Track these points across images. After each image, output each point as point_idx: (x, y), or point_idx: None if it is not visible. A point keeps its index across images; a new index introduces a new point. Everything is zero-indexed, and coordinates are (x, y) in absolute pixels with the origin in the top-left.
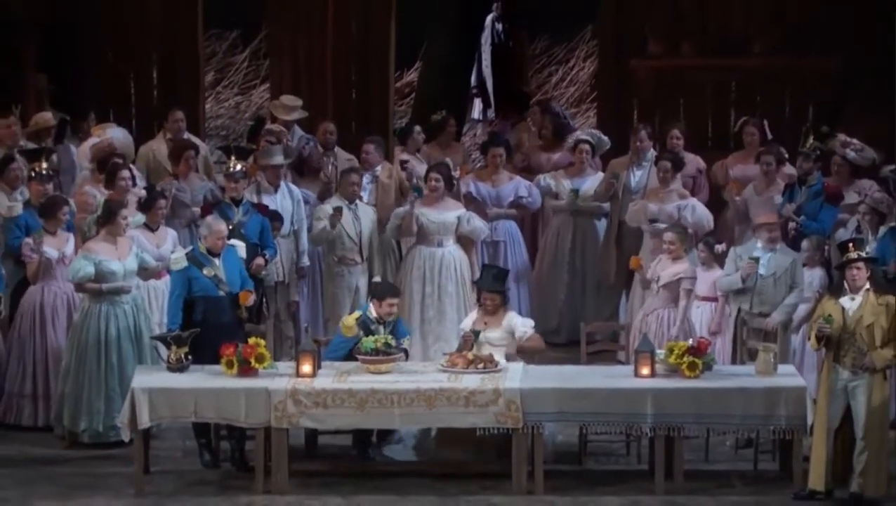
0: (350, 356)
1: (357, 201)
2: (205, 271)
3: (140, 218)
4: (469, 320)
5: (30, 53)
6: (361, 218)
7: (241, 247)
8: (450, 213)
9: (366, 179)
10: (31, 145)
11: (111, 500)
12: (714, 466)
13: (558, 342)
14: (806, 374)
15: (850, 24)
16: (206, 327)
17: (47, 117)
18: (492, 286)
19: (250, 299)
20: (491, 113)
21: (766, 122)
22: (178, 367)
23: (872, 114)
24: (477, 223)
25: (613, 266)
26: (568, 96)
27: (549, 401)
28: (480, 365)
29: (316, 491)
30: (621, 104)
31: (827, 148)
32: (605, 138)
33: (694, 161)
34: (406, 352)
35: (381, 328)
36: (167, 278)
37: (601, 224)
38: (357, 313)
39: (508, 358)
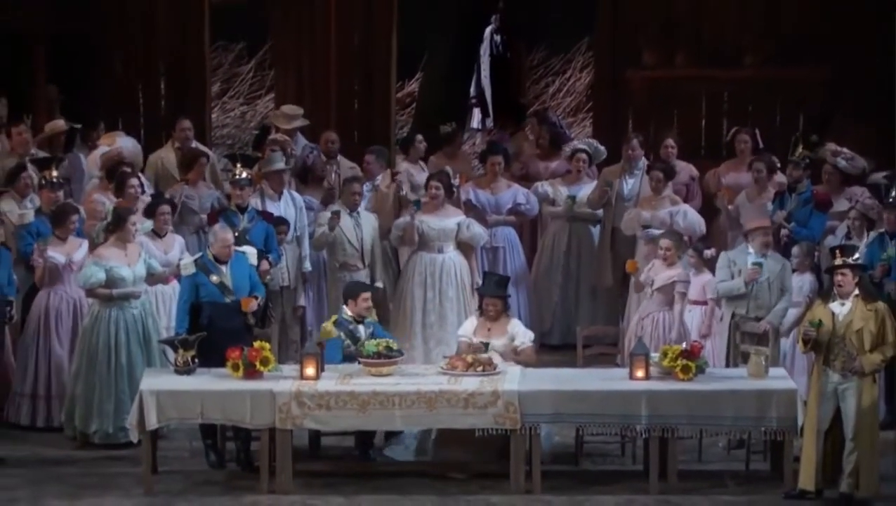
0: (346, 358)
1: (359, 209)
2: (211, 278)
3: (148, 225)
4: (469, 326)
5: (41, 65)
6: (363, 225)
7: (251, 254)
8: (450, 219)
9: (365, 187)
10: (42, 154)
11: (120, 499)
12: (707, 466)
13: (551, 344)
14: (796, 376)
15: (839, 36)
16: (212, 332)
17: (60, 124)
18: (494, 292)
19: (251, 305)
20: (490, 122)
21: (757, 132)
22: (185, 370)
23: (861, 123)
24: (476, 230)
25: (609, 271)
26: (565, 106)
27: (547, 403)
28: (479, 368)
29: (319, 491)
30: (616, 114)
31: (816, 156)
32: (602, 148)
33: (687, 169)
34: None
35: (360, 328)
36: (174, 283)
37: (596, 230)
38: (334, 317)
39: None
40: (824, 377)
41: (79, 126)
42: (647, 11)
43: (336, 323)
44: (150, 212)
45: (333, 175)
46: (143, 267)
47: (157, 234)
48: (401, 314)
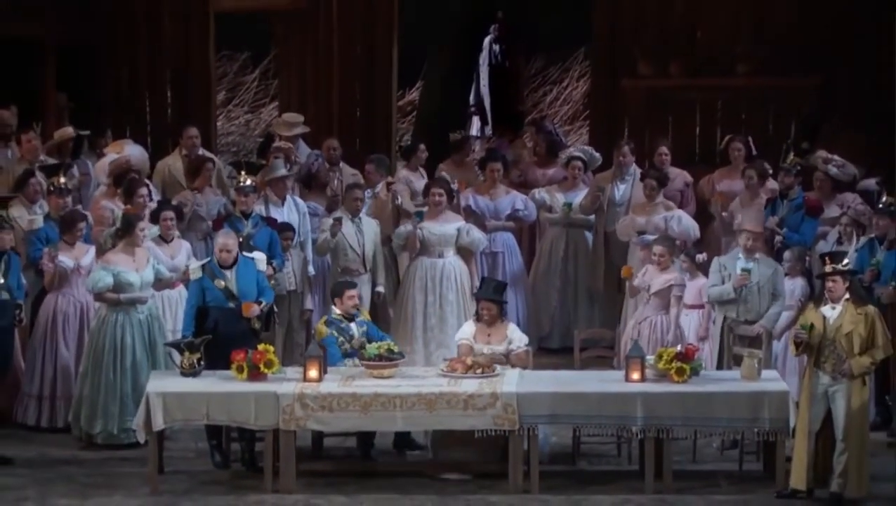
0: (344, 355)
1: (361, 215)
2: (215, 283)
3: (155, 230)
4: (468, 329)
5: (50, 73)
6: (365, 231)
7: (260, 260)
8: (450, 225)
9: (367, 194)
10: (51, 160)
11: (127, 498)
12: (701, 466)
13: (551, 347)
14: (787, 378)
15: (830, 45)
16: (218, 336)
17: (68, 131)
18: (491, 296)
19: (252, 310)
20: (488, 130)
21: (750, 139)
22: (190, 372)
23: (852, 130)
24: (476, 235)
25: (601, 275)
26: (562, 114)
27: (544, 404)
28: (479, 370)
29: (322, 490)
30: (613, 122)
31: (807, 163)
32: (597, 154)
33: (681, 176)
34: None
35: (352, 326)
36: (180, 288)
37: (592, 236)
38: (324, 318)
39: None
40: (815, 379)
41: (87, 133)
42: (642, 22)
43: (327, 323)
44: (155, 218)
45: (336, 181)
46: (151, 273)
47: (163, 239)
48: (402, 318)
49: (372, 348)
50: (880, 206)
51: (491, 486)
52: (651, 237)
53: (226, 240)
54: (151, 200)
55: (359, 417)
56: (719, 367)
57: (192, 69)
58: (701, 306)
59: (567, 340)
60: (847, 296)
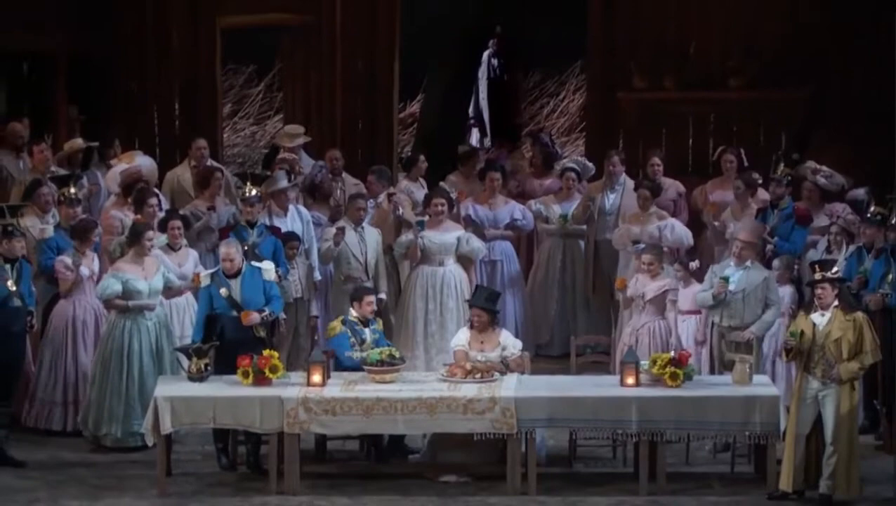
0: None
1: (363, 224)
2: (221, 292)
3: (163, 239)
4: (462, 336)
5: (61, 86)
6: (367, 240)
7: (267, 269)
8: (450, 234)
9: (369, 204)
10: (62, 171)
11: (135, 500)
12: (694, 468)
13: (551, 354)
14: (776, 383)
15: (818, 59)
16: (225, 342)
17: (78, 142)
18: (482, 304)
19: (251, 319)
20: (487, 142)
21: (741, 151)
22: (198, 377)
23: (840, 142)
24: (476, 244)
25: (591, 281)
26: (559, 126)
27: (542, 408)
28: (478, 375)
29: (325, 492)
30: (608, 134)
31: (797, 174)
32: (590, 165)
33: (674, 186)
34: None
35: (367, 331)
36: (188, 295)
37: (584, 244)
38: (341, 317)
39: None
40: (805, 384)
41: (96, 144)
42: (637, 37)
43: (343, 321)
44: (163, 226)
45: (339, 191)
46: (159, 281)
47: (171, 248)
48: (403, 324)
49: (374, 354)
50: (868, 215)
51: (490, 488)
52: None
53: (227, 249)
54: (161, 209)
55: (361, 420)
56: (712, 371)
57: (200, 82)
58: (697, 312)
59: (567, 347)
60: (836, 303)
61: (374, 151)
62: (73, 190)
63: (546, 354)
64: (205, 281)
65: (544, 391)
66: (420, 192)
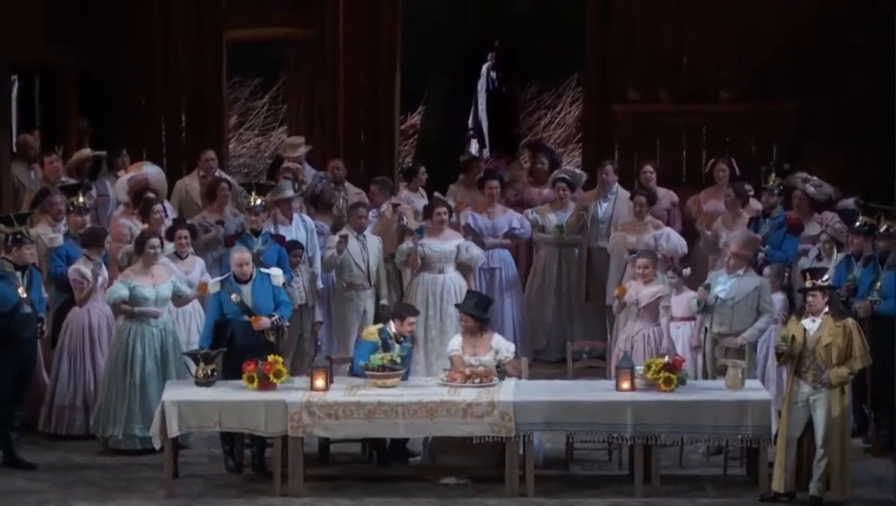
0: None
1: (365, 232)
2: (232, 297)
3: (171, 248)
4: (455, 342)
5: (71, 100)
6: (369, 248)
7: (276, 275)
8: (450, 242)
9: (372, 213)
10: (71, 181)
11: (144, 501)
12: (688, 471)
13: (548, 360)
14: (767, 387)
15: (808, 72)
16: (235, 348)
17: (86, 152)
18: (471, 310)
19: (261, 323)
20: (486, 152)
21: (733, 161)
22: (205, 382)
23: (830, 153)
24: (475, 252)
25: (584, 288)
26: (556, 137)
27: (539, 412)
28: (477, 380)
29: (328, 494)
30: (604, 145)
31: (788, 183)
32: (579, 173)
33: (668, 195)
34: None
35: (396, 347)
36: (194, 301)
37: (577, 251)
38: (381, 325)
39: None
40: (797, 388)
41: (103, 154)
42: (631, 51)
43: (380, 331)
44: (171, 235)
45: (341, 200)
46: (167, 289)
47: (178, 256)
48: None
49: (375, 360)
50: (856, 225)
51: (488, 490)
52: None
53: (242, 255)
54: (167, 215)
55: (363, 424)
56: (706, 376)
57: (206, 95)
58: (692, 319)
59: (563, 352)
60: (826, 310)
61: (375, 162)
62: (81, 199)
63: (543, 360)
64: (214, 288)
65: (542, 396)
66: (420, 201)
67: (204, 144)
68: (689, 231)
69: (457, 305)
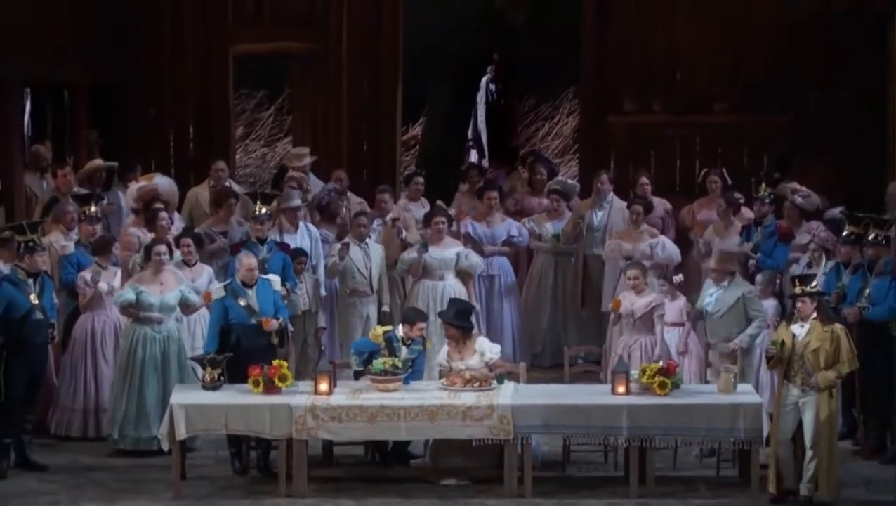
0: (368, 360)
1: (367, 240)
2: (239, 302)
3: (178, 256)
4: (443, 353)
5: (82, 111)
6: (371, 256)
7: (275, 281)
8: (450, 250)
9: (376, 222)
10: (83, 191)
11: (152, 503)
12: (681, 472)
13: (543, 365)
14: (762, 391)
15: (798, 86)
16: (240, 352)
17: (98, 162)
18: (451, 320)
19: (272, 325)
20: (485, 162)
21: (725, 172)
22: (211, 386)
23: (819, 164)
24: (474, 259)
25: (580, 294)
26: (553, 148)
27: (537, 415)
28: (476, 384)
29: (332, 495)
30: (600, 155)
31: (779, 193)
32: (571, 183)
33: (662, 204)
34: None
35: (403, 349)
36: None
37: (574, 259)
38: (388, 327)
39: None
40: (785, 392)
41: (115, 164)
42: (627, 64)
43: (386, 335)
44: (177, 243)
45: (344, 210)
46: (173, 297)
47: (185, 264)
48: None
49: (378, 364)
50: (843, 234)
51: (488, 491)
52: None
53: (250, 260)
54: (172, 222)
55: (366, 427)
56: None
57: (213, 107)
58: (681, 324)
59: (558, 358)
60: (815, 315)
61: (378, 172)
62: (93, 209)
63: (538, 365)
64: (218, 294)
65: (539, 399)
66: (419, 210)
67: (211, 155)
68: (683, 239)
69: (439, 314)
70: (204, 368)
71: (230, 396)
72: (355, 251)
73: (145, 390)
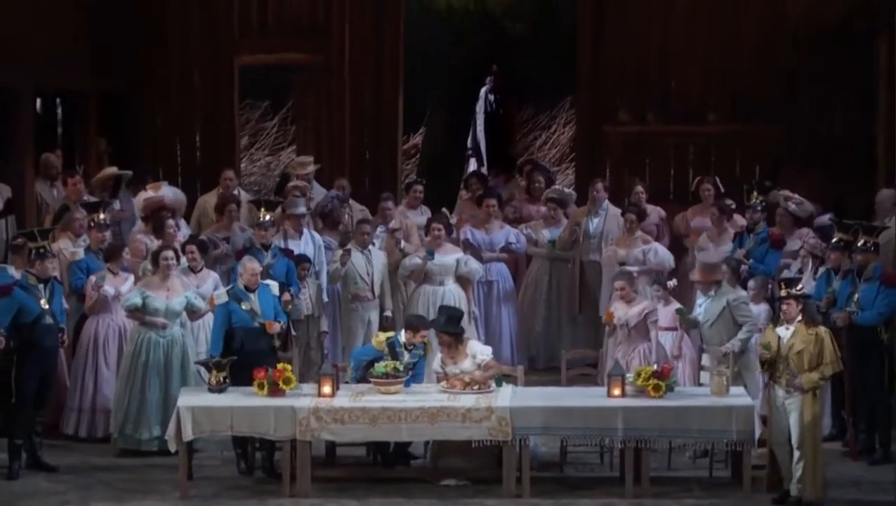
0: (370, 365)
1: (370, 247)
2: (243, 305)
3: (184, 262)
4: (436, 362)
5: (91, 120)
6: (373, 262)
7: (274, 286)
8: (450, 256)
9: (380, 229)
10: (93, 199)
11: (159, 502)
12: (675, 473)
13: (537, 368)
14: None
15: (789, 97)
16: (244, 354)
17: (112, 170)
18: (443, 327)
19: (276, 327)
20: (484, 171)
21: (718, 180)
22: (217, 388)
23: (808, 172)
24: (473, 265)
25: (577, 300)
26: (550, 157)
27: (535, 417)
28: (476, 387)
29: (334, 495)
30: (596, 164)
31: (771, 200)
32: (568, 192)
33: (656, 211)
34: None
35: (406, 354)
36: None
37: (571, 265)
38: (390, 334)
39: None
40: (773, 393)
41: (129, 173)
42: (622, 75)
43: (388, 340)
44: (184, 250)
45: (346, 217)
46: (179, 304)
47: (191, 270)
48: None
49: (380, 367)
50: (833, 241)
51: (487, 491)
52: (632, 268)
53: (253, 265)
54: (179, 229)
55: (368, 428)
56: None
57: (219, 117)
58: (675, 329)
59: (551, 361)
60: (800, 318)
61: (380, 180)
62: (102, 216)
63: (533, 367)
64: (221, 299)
65: (537, 402)
66: (418, 218)
67: (220, 164)
68: (677, 246)
69: (430, 323)
70: (209, 371)
71: (235, 398)
72: (357, 258)
73: (147, 392)
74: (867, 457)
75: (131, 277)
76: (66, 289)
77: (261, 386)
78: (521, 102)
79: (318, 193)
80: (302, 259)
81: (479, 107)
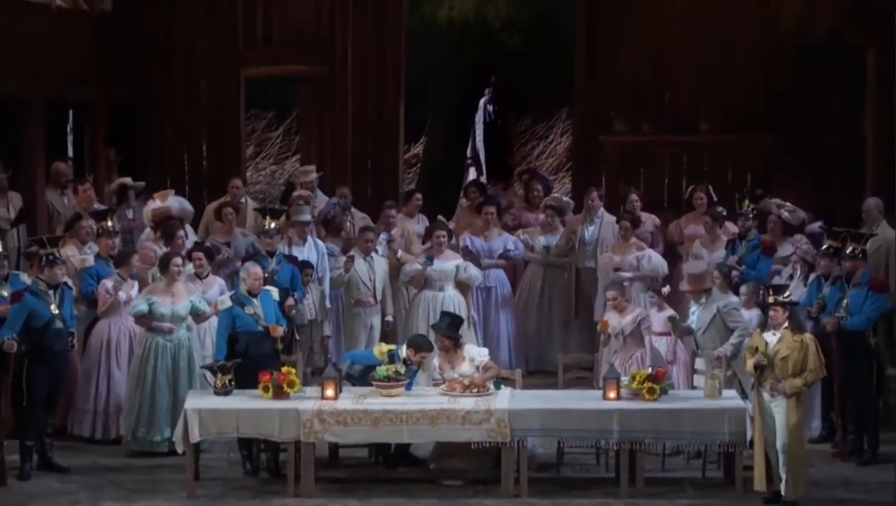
0: (367, 369)
1: (373, 254)
2: (246, 310)
3: (191, 268)
4: (435, 364)
5: (101, 131)
6: (375, 268)
7: (274, 291)
8: (449, 262)
9: (382, 236)
10: (101, 207)
11: (167, 502)
12: (669, 473)
13: (528, 370)
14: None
15: (780, 107)
16: (248, 358)
17: (126, 180)
18: (445, 332)
19: (279, 331)
20: (483, 179)
21: (710, 188)
22: (223, 391)
23: (798, 181)
24: (473, 272)
25: (573, 305)
26: (547, 166)
27: (533, 419)
28: (475, 390)
29: (337, 495)
30: (592, 173)
31: (763, 208)
32: (566, 200)
33: (651, 219)
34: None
35: (404, 369)
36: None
37: (567, 271)
38: (392, 347)
39: None
40: (759, 396)
41: (142, 184)
42: (617, 86)
43: (390, 352)
44: (190, 257)
45: (348, 224)
46: (184, 308)
47: (197, 276)
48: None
49: (381, 371)
50: (823, 248)
51: (486, 491)
52: (625, 274)
53: (256, 270)
54: (186, 236)
55: (370, 430)
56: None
57: (225, 126)
58: (668, 334)
59: (543, 363)
60: (786, 324)
61: (381, 189)
62: (110, 223)
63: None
64: (225, 304)
65: (535, 404)
66: (414, 225)
67: (224, 173)
68: (671, 253)
69: (432, 327)
70: (215, 374)
71: (241, 401)
72: (360, 264)
73: (157, 395)
74: (856, 458)
75: (136, 284)
76: (75, 294)
77: (265, 389)
78: (519, 113)
79: (322, 201)
80: (306, 265)
81: (479, 117)
